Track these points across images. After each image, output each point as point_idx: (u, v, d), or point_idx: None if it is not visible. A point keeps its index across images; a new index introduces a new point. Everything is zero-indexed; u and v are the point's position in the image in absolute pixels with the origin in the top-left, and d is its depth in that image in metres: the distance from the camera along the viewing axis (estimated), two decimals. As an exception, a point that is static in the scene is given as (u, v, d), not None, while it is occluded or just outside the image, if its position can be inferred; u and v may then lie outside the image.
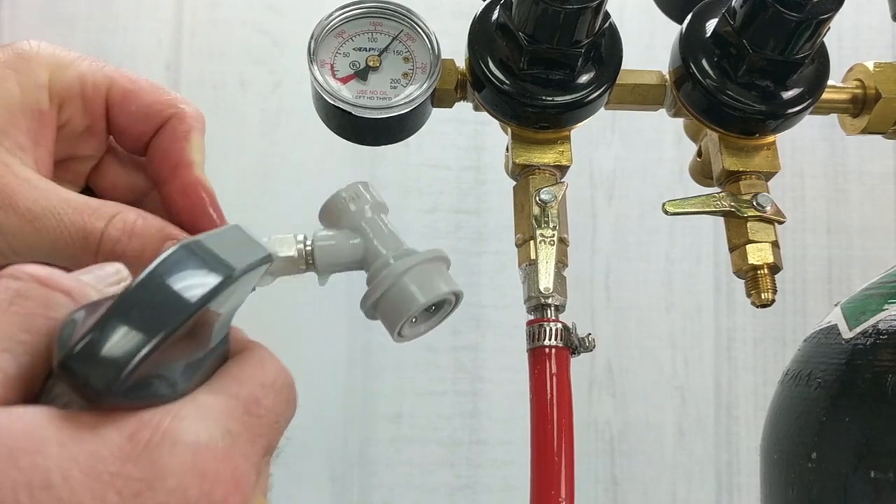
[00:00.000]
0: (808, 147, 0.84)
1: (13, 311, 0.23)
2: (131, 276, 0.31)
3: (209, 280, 0.24)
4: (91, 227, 0.32)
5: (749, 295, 0.41)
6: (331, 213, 0.37)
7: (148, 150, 0.37)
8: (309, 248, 0.36)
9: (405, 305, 0.36)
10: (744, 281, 0.41)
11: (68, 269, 0.32)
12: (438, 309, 0.37)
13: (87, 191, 0.38)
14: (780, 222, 0.41)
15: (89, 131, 0.36)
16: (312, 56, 0.40)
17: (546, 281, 0.38)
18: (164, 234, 0.34)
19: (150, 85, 0.36)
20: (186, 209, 0.35)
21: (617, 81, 0.42)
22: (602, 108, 0.42)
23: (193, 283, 0.24)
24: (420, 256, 0.36)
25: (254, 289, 0.34)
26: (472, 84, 0.42)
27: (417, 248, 0.36)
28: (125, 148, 0.38)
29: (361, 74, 0.41)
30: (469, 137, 0.82)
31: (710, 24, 0.41)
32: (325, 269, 0.37)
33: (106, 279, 0.26)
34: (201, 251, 0.25)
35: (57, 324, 0.23)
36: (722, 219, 0.42)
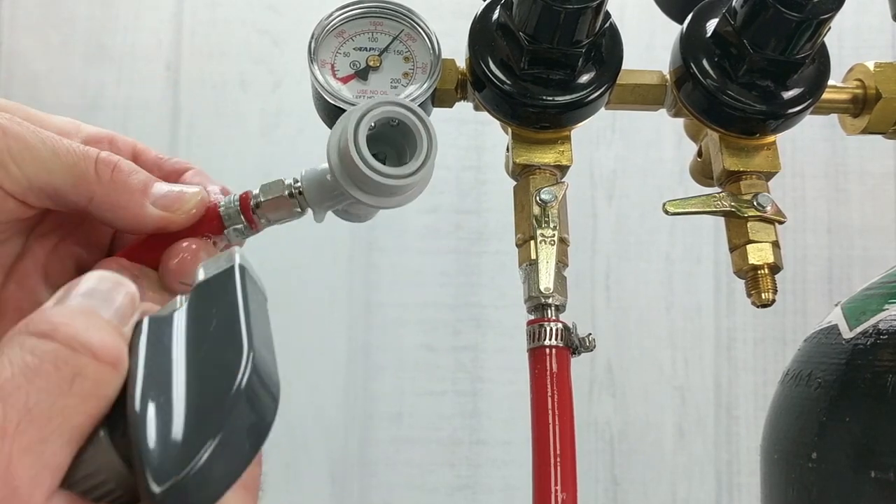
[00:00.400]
0: (808, 147, 0.84)
1: (74, 394, 0.21)
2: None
3: (271, 406, 0.24)
4: (91, 151, 0.33)
5: (749, 295, 0.41)
6: (335, 161, 0.37)
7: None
8: (298, 185, 0.36)
9: (343, 134, 0.35)
10: (744, 281, 0.41)
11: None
12: (413, 148, 0.36)
13: None
14: (781, 222, 0.41)
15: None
16: (313, 56, 0.40)
17: (546, 281, 0.38)
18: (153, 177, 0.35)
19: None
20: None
21: (617, 81, 0.42)
22: (602, 108, 0.42)
23: (262, 418, 0.23)
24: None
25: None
26: (473, 84, 0.42)
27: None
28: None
29: (362, 74, 0.41)
30: (469, 137, 0.82)
31: (711, 24, 0.41)
32: (315, 202, 0.37)
33: (124, 315, 0.24)
34: (261, 369, 0.24)
35: (104, 403, 0.22)
36: (722, 219, 0.42)
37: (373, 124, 0.35)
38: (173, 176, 0.37)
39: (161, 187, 0.34)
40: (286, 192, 0.36)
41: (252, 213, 0.36)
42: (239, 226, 0.36)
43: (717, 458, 0.81)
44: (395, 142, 0.37)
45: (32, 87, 0.83)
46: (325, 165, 0.37)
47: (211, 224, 0.36)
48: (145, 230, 0.35)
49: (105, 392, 0.22)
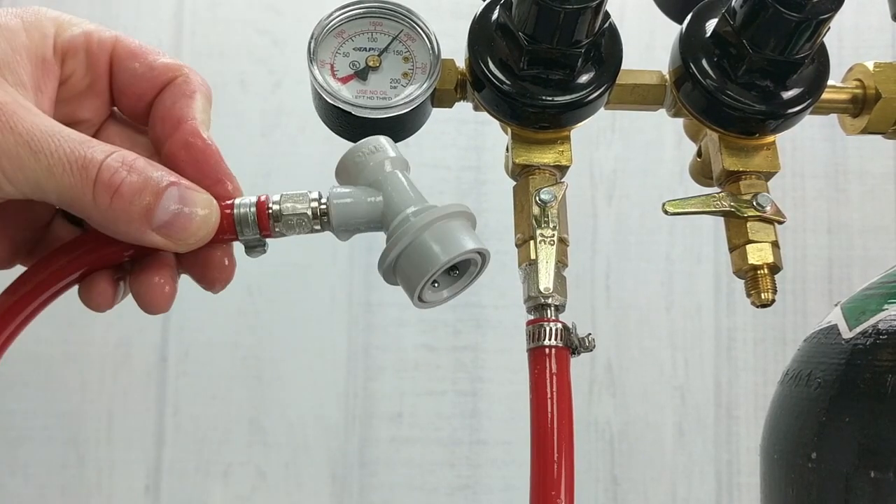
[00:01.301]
0: (808, 147, 0.84)
1: None
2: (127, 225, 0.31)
3: None
4: (90, 156, 0.31)
5: (749, 295, 0.41)
6: (348, 168, 0.35)
7: (151, 111, 0.36)
8: (324, 207, 0.35)
9: (426, 264, 0.33)
10: (744, 281, 0.41)
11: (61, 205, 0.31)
12: (463, 272, 0.36)
13: None
14: (781, 222, 0.41)
15: (91, 90, 0.36)
16: (312, 56, 0.40)
17: (546, 281, 0.38)
18: (166, 180, 0.32)
19: (156, 49, 0.36)
20: (190, 163, 0.34)
21: (617, 81, 0.42)
22: (602, 108, 0.42)
23: None
24: (442, 210, 0.33)
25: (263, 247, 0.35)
26: (472, 84, 0.42)
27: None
28: (125, 111, 0.37)
29: (361, 74, 0.41)
30: (469, 137, 0.82)
31: (710, 24, 0.41)
32: (342, 229, 0.35)
33: None
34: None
35: None
36: (722, 219, 0.42)
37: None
38: (161, 79, 0.36)
39: (166, 207, 0.32)
40: (309, 211, 0.35)
41: (268, 222, 0.34)
42: (251, 237, 0.35)
43: (717, 458, 0.81)
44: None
45: (32, 88, 0.83)
46: (361, 199, 0.35)
47: (222, 233, 0.34)
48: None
49: None
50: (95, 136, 0.36)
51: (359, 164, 0.35)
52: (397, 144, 0.42)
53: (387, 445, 0.80)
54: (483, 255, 0.35)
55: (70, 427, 0.79)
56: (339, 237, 0.36)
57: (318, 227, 0.35)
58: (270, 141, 0.81)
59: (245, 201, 0.35)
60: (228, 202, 0.34)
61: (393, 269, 0.35)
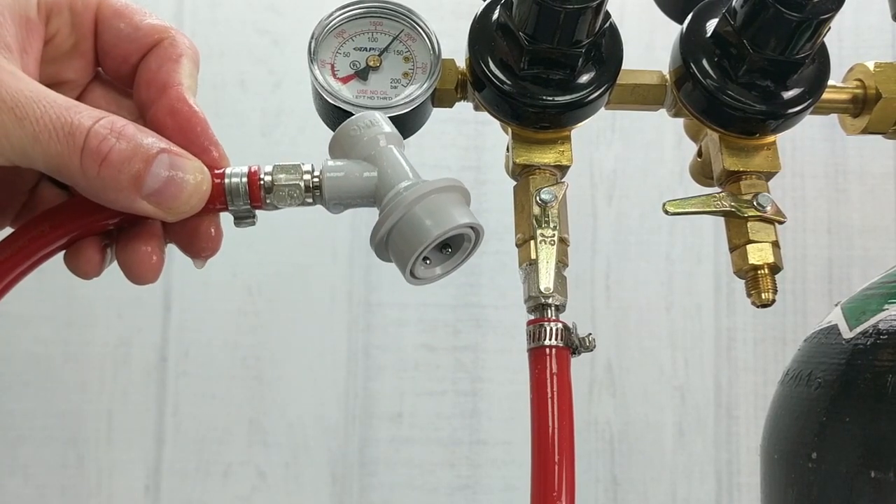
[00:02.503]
0: (808, 147, 0.84)
1: None
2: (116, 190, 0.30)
3: None
4: (77, 122, 0.30)
5: (749, 295, 0.41)
6: (341, 142, 0.35)
7: (136, 74, 0.35)
8: (317, 180, 0.34)
9: (417, 238, 0.33)
10: (744, 281, 0.41)
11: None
12: (456, 248, 0.35)
13: None
14: (781, 222, 0.41)
15: (76, 50, 0.35)
16: (312, 56, 0.40)
17: (546, 281, 0.38)
18: (156, 146, 0.31)
19: (144, 10, 0.35)
20: (175, 130, 0.33)
21: (617, 81, 0.42)
22: (602, 108, 0.42)
23: None
24: (434, 184, 0.33)
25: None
26: (473, 84, 0.42)
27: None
28: (110, 72, 0.36)
29: (362, 74, 0.41)
30: (469, 137, 0.82)
31: (711, 24, 0.41)
32: (334, 202, 0.35)
33: None
34: None
35: None
36: (722, 219, 0.42)
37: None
38: (147, 41, 0.35)
39: (157, 175, 0.31)
40: (301, 184, 0.34)
41: (260, 193, 0.34)
42: (241, 208, 0.34)
43: (717, 458, 0.81)
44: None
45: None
46: (355, 173, 0.35)
47: (212, 202, 0.34)
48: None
49: None
50: (80, 98, 0.36)
51: (353, 137, 0.35)
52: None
53: (387, 445, 0.80)
54: (477, 231, 0.35)
55: (70, 427, 0.79)
56: (330, 210, 0.35)
57: (310, 200, 0.35)
58: (270, 141, 0.81)
59: (237, 171, 0.34)
60: (219, 171, 0.34)
61: (385, 243, 0.34)
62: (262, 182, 0.34)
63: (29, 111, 0.29)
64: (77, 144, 0.30)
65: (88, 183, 0.31)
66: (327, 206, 0.35)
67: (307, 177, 0.35)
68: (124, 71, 0.35)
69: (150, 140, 0.31)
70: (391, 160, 0.35)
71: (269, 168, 0.35)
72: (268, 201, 0.34)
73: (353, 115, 0.40)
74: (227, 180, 0.34)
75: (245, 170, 0.34)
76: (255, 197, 0.34)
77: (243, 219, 0.35)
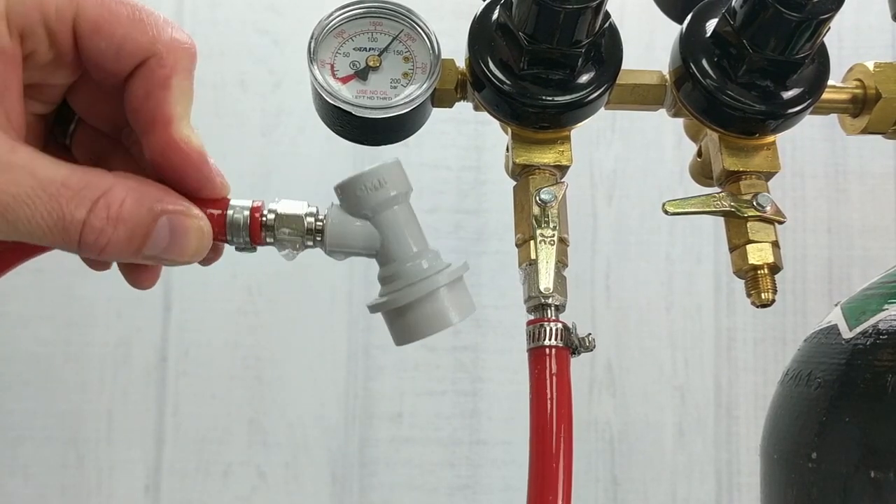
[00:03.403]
0: (808, 147, 0.84)
1: None
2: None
3: None
4: (70, 218, 0.29)
5: (749, 295, 0.41)
6: (348, 196, 0.35)
7: (124, 94, 0.32)
8: (320, 224, 0.34)
9: (437, 323, 0.34)
10: (744, 281, 0.41)
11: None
12: None
13: (65, 106, 0.35)
14: (781, 222, 0.41)
15: (58, 61, 0.32)
16: (312, 56, 0.40)
17: (546, 281, 0.38)
18: (156, 211, 0.31)
19: (129, 16, 0.31)
20: (168, 168, 0.32)
21: (617, 81, 0.42)
22: (602, 108, 0.42)
23: None
24: (457, 272, 0.34)
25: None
26: (472, 84, 0.42)
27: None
28: (100, 82, 0.34)
29: (361, 74, 0.41)
30: (469, 137, 0.82)
31: (710, 24, 0.41)
32: (334, 249, 0.35)
33: None
34: None
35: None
36: (722, 219, 0.42)
37: None
38: (131, 61, 0.32)
39: (157, 243, 0.31)
40: (304, 227, 0.34)
41: (260, 232, 0.34)
42: (240, 243, 0.34)
43: (717, 458, 0.81)
44: None
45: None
46: (359, 227, 0.35)
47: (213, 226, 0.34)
48: None
49: None
50: (73, 89, 0.34)
51: (360, 198, 0.35)
52: (397, 144, 0.42)
53: (387, 445, 0.80)
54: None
55: (70, 427, 0.79)
56: (327, 254, 0.36)
57: (310, 244, 0.35)
58: (270, 141, 0.81)
59: (240, 204, 0.34)
60: (221, 201, 0.34)
61: (397, 313, 0.35)
62: (263, 220, 0.34)
63: (20, 214, 0.29)
64: (73, 239, 0.30)
65: (89, 254, 0.31)
66: (326, 250, 0.35)
67: (310, 220, 0.35)
68: (114, 83, 0.33)
69: (149, 207, 0.31)
70: (399, 224, 0.35)
71: (272, 205, 0.35)
72: (268, 240, 0.35)
73: (353, 115, 0.40)
74: (229, 213, 0.34)
75: (248, 204, 0.34)
76: (255, 234, 0.34)
77: (242, 249, 0.35)
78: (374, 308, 0.36)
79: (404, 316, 0.35)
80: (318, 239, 0.35)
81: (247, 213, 0.34)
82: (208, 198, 0.34)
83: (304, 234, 0.35)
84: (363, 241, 0.35)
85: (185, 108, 0.33)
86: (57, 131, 0.36)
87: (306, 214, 0.35)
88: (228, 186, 0.34)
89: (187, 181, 0.33)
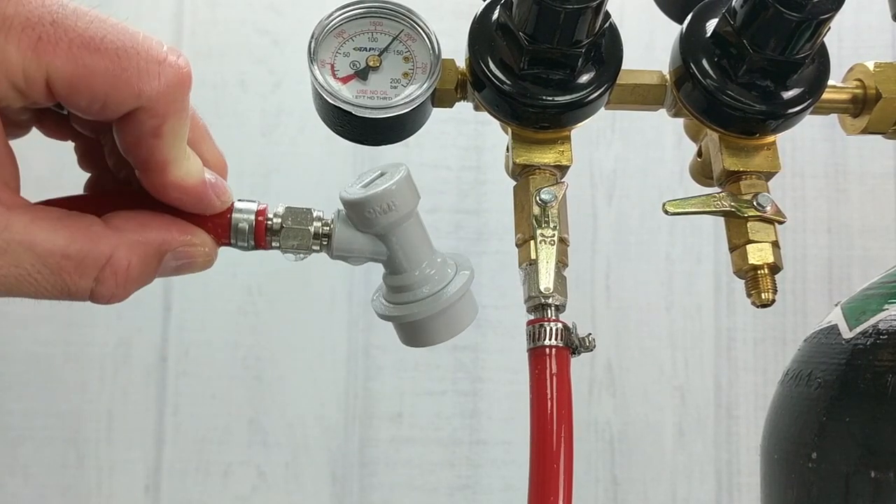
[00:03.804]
0: (808, 147, 0.84)
1: None
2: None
3: None
4: (76, 289, 0.29)
5: (749, 295, 0.41)
6: (357, 215, 0.34)
7: (114, 134, 0.30)
8: (327, 229, 0.34)
9: (448, 333, 0.35)
10: (744, 281, 0.41)
11: None
12: None
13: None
14: (781, 222, 0.41)
15: (35, 120, 0.31)
16: (312, 56, 0.40)
17: (546, 281, 0.38)
18: (161, 252, 0.31)
19: (107, 70, 0.27)
20: (167, 206, 0.32)
21: (617, 81, 0.42)
22: (602, 108, 0.42)
23: None
24: (465, 285, 0.35)
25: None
26: (473, 84, 0.42)
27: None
28: (86, 124, 0.32)
29: (362, 74, 0.41)
30: (469, 137, 0.82)
31: (711, 24, 0.41)
32: (340, 255, 0.35)
33: None
34: None
35: None
36: (722, 219, 0.42)
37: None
38: (116, 115, 0.29)
39: (167, 268, 0.31)
40: (311, 230, 0.34)
41: (265, 236, 0.34)
42: (244, 246, 0.34)
43: (717, 458, 0.81)
44: None
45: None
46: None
47: (216, 238, 0.34)
48: None
49: None
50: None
51: (369, 219, 0.34)
52: (397, 145, 0.42)
53: (387, 445, 0.80)
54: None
55: (70, 427, 0.79)
56: (332, 258, 0.36)
57: (316, 248, 0.35)
58: (270, 141, 0.81)
59: (244, 207, 0.34)
60: (225, 212, 0.34)
61: (415, 326, 0.36)
62: (269, 224, 0.34)
63: (24, 290, 0.28)
64: (83, 299, 0.30)
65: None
66: (332, 255, 0.35)
67: (317, 224, 0.34)
68: (104, 131, 0.32)
69: (155, 252, 0.31)
70: (408, 238, 0.35)
71: (278, 209, 0.34)
72: (273, 244, 0.34)
73: (353, 115, 0.40)
74: (233, 218, 0.34)
75: (253, 208, 0.34)
76: (260, 239, 0.34)
77: (244, 249, 0.35)
78: (383, 317, 0.36)
79: (414, 327, 0.35)
80: (325, 244, 0.35)
81: (252, 217, 0.34)
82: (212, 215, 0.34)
83: (310, 239, 0.34)
84: (370, 250, 0.35)
85: (180, 149, 0.31)
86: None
87: (313, 219, 0.35)
88: (231, 199, 0.34)
89: (187, 210, 0.33)
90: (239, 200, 0.34)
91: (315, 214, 0.35)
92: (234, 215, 0.34)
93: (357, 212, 0.34)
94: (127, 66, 0.28)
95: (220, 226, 0.34)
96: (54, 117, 0.34)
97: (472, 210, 0.82)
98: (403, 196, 0.34)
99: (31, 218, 0.28)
